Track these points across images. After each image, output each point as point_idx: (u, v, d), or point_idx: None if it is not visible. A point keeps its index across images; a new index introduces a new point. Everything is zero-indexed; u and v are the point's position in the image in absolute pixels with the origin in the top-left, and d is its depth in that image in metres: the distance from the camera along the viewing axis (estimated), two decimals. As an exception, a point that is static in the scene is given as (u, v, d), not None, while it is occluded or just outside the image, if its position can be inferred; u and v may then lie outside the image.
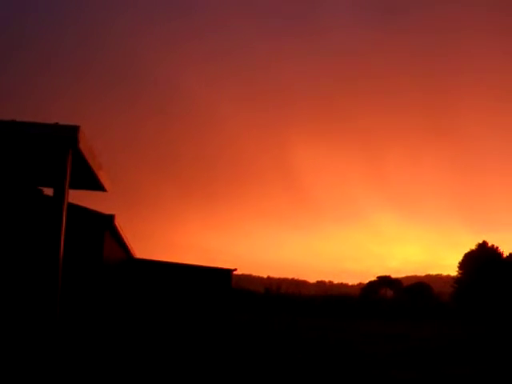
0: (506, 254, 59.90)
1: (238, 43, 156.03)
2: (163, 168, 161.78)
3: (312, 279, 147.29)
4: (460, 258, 65.36)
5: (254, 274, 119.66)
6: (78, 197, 11.80)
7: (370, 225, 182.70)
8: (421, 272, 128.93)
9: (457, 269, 65.54)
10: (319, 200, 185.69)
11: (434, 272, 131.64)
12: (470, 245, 65.36)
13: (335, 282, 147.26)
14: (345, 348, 23.08)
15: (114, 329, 18.22)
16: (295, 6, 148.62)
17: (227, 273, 27.03)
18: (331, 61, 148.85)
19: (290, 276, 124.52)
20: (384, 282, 78.80)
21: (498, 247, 60.94)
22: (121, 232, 16.76)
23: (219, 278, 26.30)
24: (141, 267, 23.81)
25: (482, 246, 61.97)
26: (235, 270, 27.86)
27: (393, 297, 75.93)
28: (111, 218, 14.67)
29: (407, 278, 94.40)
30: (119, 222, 15.69)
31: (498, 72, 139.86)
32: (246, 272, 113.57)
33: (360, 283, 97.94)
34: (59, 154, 7.83)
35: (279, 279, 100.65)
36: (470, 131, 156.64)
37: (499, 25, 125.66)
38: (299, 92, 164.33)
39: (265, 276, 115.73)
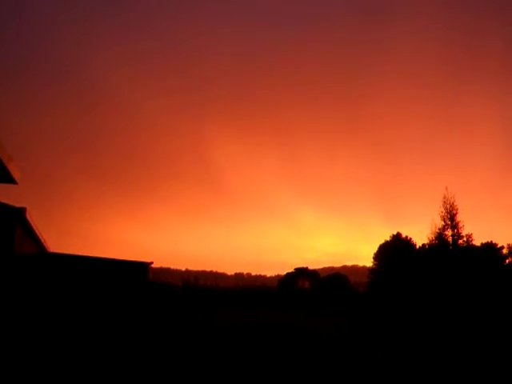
0: (418, 245, 61.85)
1: (162, 43, 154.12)
2: (83, 162, 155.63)
3: (230, 271, 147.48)
4: (375, 249, 66.99)
5: (173, 267, 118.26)
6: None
7: (287, 217, 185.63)
8: (337, 263, 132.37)
9: (372, 260, 67.14)
10: (238, 193, 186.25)
11: (350, 263, 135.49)
12: (385, 236, 67.00)
13: (253, 273, 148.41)
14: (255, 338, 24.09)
15: (24, 323, 16.96)
16: (217, 5, 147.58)
17: (144, 266, 26.72)
18: (250, 59, 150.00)
19: (208, 268, 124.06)
20: (301, 273, 79.79)
21: (411, 239, 62.82)
22: (33, 225, 16.17)
23: (135, 272, 26.07)
24: (54, 261, 22.94)
25: (396, 238, 63.70)
26: (151, 263, 27.54)
27: (310, 288, 77.05)
28: (22, 210, 14.25)
29: (324, 269, 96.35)
30: (32, 216, 15.21)
31: (412, 68, 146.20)
32: (165, 265, 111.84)
33: (278, 275, 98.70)
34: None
35: (198, 272, 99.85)
36: (385, 127, 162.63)
37: (414, 21, 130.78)
38: (219, 89, 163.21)
39: (183, 269, 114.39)
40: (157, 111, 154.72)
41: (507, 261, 61.67)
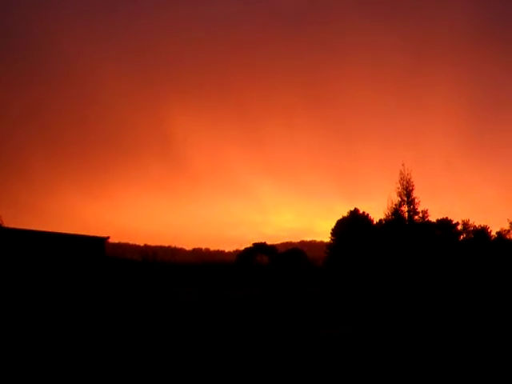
0: (376, 220, 62.69)
1: (124, 22, 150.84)
2: (38, 136, 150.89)
3: (189, 246, 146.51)
4: (333, 225, 67.55)
5: (131, 242, 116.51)
6: None
7: (247, 193, 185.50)
8: (296, 238, 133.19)
9: (330, 235, 67.73)
10: (197, 169, 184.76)
11: (308, 238, 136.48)
12: (343, 212, 67.59)
13: (212, 249, 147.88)
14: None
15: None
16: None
17: (100, 241, 26.28)
18: (212, 34, 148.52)
19: (166, 244, 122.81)
20: (260, 248, 79.84)
21: (368, 214, 63.65)
22: (-15, 201, 15.01)
23: (91, 247, 25.56)
24: (8, 236, 22.63)
25: (354, 214, 64.38)
26: (108, 238, 27.08)
27: (268, 263, 77.29)
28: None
29: (282, 244, 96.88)
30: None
31: (369, 45, 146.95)
32: (123, 240, 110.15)
33: (236, 250, 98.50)
34: None
35: (156, 247, 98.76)
36: (344, 104, 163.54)
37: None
38: (182, 67, 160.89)
39: (141, 244, 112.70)
40: (118, 88, 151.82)
41: (462, 237, 63.50)
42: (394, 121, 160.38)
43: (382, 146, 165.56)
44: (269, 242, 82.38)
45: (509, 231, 62.19)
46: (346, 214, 65.35)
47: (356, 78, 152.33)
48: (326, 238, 68.72)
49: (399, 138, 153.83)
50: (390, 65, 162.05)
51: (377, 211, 68.49)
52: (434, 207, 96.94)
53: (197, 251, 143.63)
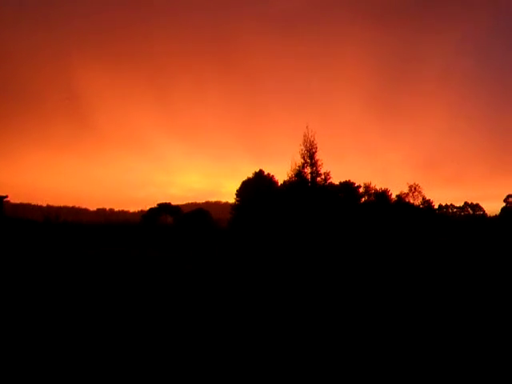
0: (280, 182, 63.36)
1: None
2: None
3: (92, 207, 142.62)
4: (238, 185, 67.61)
5: (33, 202, 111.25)
6: None
7: (152, 153, 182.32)
8: (201, 199, 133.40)
9: (235, 196, 67.81)
10: (103, 127, 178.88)
11: (213, 199, 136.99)
12: (249, 174, 67.84)
13: (116, 209, 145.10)
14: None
15: None
16: None
17: None
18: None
19: (70, 204, 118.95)
20: (164, 209, 78.97)
21: (273, 176, 64.31)
22: None
23: None
24: None
25: (259, 175, 64.77)
26: (6, 197, 25.57)
27: (173, 223, 76.69)
28: None
29: (187, 205, 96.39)
30: None
31: (279, 11, 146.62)
32: (25, 201, 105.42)
33: (141, 210, 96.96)
34: None
35: (59, 207, 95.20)
36: (252, 67, 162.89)
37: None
38: (86, 17, 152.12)
39: (44, 204, 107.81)
40: (23, 45, 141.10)
41: (363, 199, 66.03)
42: (300, 85, 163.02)
43: (288, 110, 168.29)
44: (174, 203, 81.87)
45: (407, 194, 65.84)
46: (251, 176, 65.59)
47: (264, 44, 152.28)
48: (232, 199, 68.83)
49: (306, 102, 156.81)
50: (297, 30, 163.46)
51: (282, 173, 69.56)
52: (338, 170, 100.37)
53: (101, 211, 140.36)
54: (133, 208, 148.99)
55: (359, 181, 65.82)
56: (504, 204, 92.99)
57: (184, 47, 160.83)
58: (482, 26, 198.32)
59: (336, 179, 59.76)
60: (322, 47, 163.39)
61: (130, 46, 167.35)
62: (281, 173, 76.49)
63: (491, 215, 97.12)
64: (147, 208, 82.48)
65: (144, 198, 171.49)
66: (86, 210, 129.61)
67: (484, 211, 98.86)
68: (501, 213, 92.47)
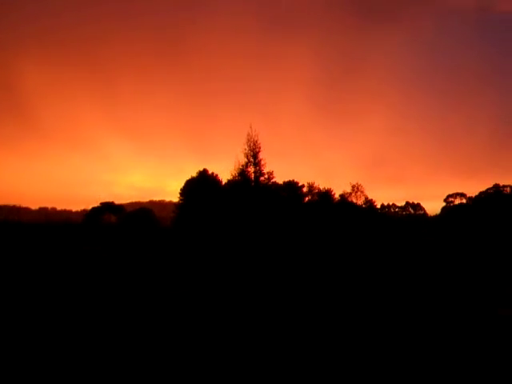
0: (224, 181, 63.02)
1: None
2: None
3: (34, 206, 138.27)
4: (182, 184, 66.92)
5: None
6: None
7: (96, 151, 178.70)
8: (145, 198, 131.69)
9: (179, 195, 67.09)
10: (44, 124, 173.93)
11: (157, 198, 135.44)
12: (193, 173, 67.09)
13: (58, 208, 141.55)
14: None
15: None
16: None
17: None
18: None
19: (10, 203, 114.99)
20: (107, 208, 77.48)
21: (217, 175, 63.97)
22: None
23: None
24: None
25: (203, 174, 64.30)
26: None
27: (116, 222, 75.40)
28: None
29: (131, 204, 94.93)
30: None
31: (229, 11, 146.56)
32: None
33: (84, 209, 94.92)
34: None
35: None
36: (198, 67, 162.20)
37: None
38: (34, 20, 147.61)
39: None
40: None
41: (307, 198, 66.56)
42: (245, 85, 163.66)
43: (233, 109, 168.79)
44: (118, 202, 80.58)
45: (350, 194, 66.76)
46: (195, 175, 65.09)
47: (209, 44, 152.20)
48: (176, 198, 68.03)
49: (251, 102, 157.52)
50: (242, 31, 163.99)
51: (227, 172, 69.32)
52: (282, 170, 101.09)
53: (43, 210, 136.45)
54: (76, 207, 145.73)
55: (303, 180, 66.36)
56: (444, 204, 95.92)
57: (130, 47, 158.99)
58: (424, 26, 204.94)
59: (280, 179, 60.10)
60: (267, 47, 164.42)
61: (75, 45, 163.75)
62: (225, 172, 76.40)
63: (432, 215, 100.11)
64: (90, 207, 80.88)
65: (88, 197, 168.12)
66: (27, 209, 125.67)
67: (425, 211, 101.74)
68: (441, 212, 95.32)
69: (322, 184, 67.22)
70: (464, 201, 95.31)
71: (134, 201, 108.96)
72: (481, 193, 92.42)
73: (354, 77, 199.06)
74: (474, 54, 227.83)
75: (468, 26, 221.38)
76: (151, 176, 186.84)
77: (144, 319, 13.53)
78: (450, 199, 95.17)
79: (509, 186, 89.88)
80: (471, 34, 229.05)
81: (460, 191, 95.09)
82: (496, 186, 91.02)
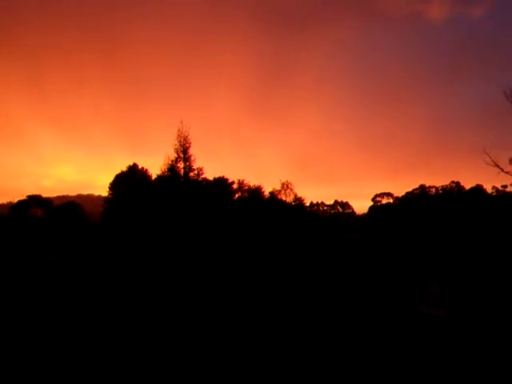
0: (154, 176, 62.62)
1: None
2: None
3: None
4: (112, 179, 66.17)
5: None
6: None
7: (24, 143, 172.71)
8: (73, 192, 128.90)
9: (108, 189, 66.29)
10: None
11: (86, 192, 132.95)
12: (123, 167, 66.56)
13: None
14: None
15: None
16: None
17: None
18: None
19: None
20: (34, 201, 75.45)
21: (147, 170, 63.67)
22: None
23: None
24: None
25: (132, 169, 63.85)
26: None
27: (43, 216, 73.58)
28: None
29: (59, 197, 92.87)
30: None
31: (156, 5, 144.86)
32: None
33: (10, 202, 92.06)
34: None
35: None
36: (132, 62, 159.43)
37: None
38: None
39: None
40: None
41: (237, 195, 67.31)
42: (179, 81, 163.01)
43: (165, 105, 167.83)
44: (46, 195, 78.68)
45: (280, 191, 68.11)
46: (125, 169, 64.56)
47: (143, 39, 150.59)
48: (105, 192, 67.16)
49: (183, 97, 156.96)
50: (176, 27, 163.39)
51: (157, 167, 68.93)
52: (213, 166, 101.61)
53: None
54: (2, 200, 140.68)
55: (234, 177, 67.04)
56: (372, 203, 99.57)
57: (62, 37, 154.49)
58: (353, 30, 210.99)
59: (211, 175, 60.59)
60: (202, 44, 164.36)
61: (5, 30, 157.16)
62: (155, 167, 75.88)
63: (360, 213, 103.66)
64: (16, 200, 78.49)
65: (15, 189, 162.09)
66: None
67: (353, 209, 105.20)
68: (368, 211, 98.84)
69: (252, 181, 68.26)
70: (391, 200, 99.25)
71: (62, 194, 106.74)
72: (407, 193, 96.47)
73: (287, 76, 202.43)
74: (403, 60, 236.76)
75: (399, 32, 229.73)
76: (80, 169, 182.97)
77: (65, 316, 13.75)
78: (378, 199, 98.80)
79: (434, 186, 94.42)
80: (401, 41, 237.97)
81: (387, 191, 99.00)
82: (422, 187, 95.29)
